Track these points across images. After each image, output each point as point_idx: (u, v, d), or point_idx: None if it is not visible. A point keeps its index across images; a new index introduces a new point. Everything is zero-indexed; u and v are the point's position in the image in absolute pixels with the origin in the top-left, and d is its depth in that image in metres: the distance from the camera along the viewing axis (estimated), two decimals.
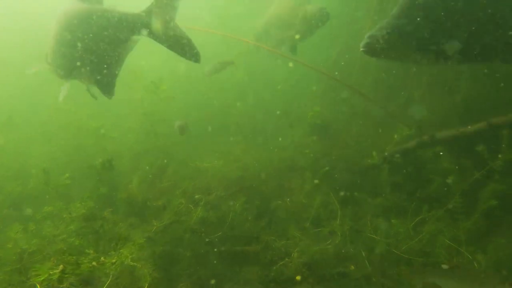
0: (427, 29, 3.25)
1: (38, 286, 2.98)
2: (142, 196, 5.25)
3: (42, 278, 2.92)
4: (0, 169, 6.64)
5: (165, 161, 6.37)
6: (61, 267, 3.01)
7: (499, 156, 3.95)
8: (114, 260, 3.31)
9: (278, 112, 7.99)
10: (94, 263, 3.21)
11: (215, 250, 4.37)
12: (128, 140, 7.29)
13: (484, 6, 3.13)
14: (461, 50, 3.24)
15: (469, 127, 4.53)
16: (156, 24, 3.89)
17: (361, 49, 3.41)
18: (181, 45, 3.93)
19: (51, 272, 2.98)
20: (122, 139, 7.26)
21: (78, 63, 4.27)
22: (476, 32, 3.18)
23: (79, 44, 4.17)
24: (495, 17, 3.13)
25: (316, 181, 5.17)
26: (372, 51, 3.39)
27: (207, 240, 4.45)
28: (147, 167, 6.24)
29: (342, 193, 4.94)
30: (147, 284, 3.40)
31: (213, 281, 3.98)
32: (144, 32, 3.97)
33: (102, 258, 3.30)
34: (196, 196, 4.93)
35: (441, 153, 4.48)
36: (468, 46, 3.24)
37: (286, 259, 4.07)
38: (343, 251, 4.12)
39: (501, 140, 3.96)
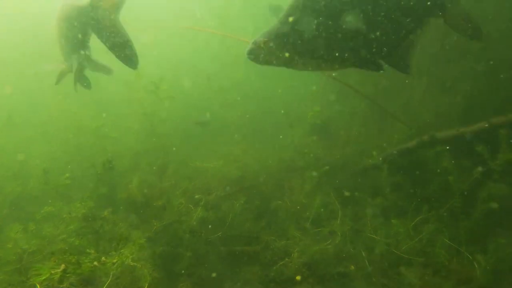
0: (309, 35, 3.25)
1: (38, 286, 2.98)
2: (142, 196, 5.24)
3: (44, 278, 2.93)
4: (0, 169, 6.64)
5: (166, 160, 6.37)
6: (62, 266, 3.01)
7: (499, 156, 3.95)
8: (115, 260, 3.32)
9: (278, 112, 7.99)
10: (95, 263, 3.21)
11: (216, 249, 4.37)
12: (128, 140, 7.29)
13: (363, 13, 3.16)
14: (341, 55, 3.26)
15: (469, 127, 4.54)
16: (102, 17, 3.86)
17: (246, 55, 3.40)
18: (120, 44, 3.88)
19: (52, 272, 2.98)
20: (122, 139, 7.26)
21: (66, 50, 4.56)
22: (355, 36, 3.21)
23: (64, 35, 4.46)
24: (374, 22, 3.16)
25: (314, 173, 5.16)
26: (255, 57, 3.36)
27: (207, 240, 4.45)
28: (147, 167, 6.24)
29: (342, 193, 4.94)
30: (147, 284, 3.40)
31: (213, 281, 3.98)
32: (93, 24, 3.95)
33: (103, 258, 3.30)
34: (196, 196, 4.93)
35: (447, 147, 4.46)
36: (349, 50, 3.25)
37: (286, 259, 4.07)
38: (343, 251, 4.12)
39: (501, 140, 3.96)
